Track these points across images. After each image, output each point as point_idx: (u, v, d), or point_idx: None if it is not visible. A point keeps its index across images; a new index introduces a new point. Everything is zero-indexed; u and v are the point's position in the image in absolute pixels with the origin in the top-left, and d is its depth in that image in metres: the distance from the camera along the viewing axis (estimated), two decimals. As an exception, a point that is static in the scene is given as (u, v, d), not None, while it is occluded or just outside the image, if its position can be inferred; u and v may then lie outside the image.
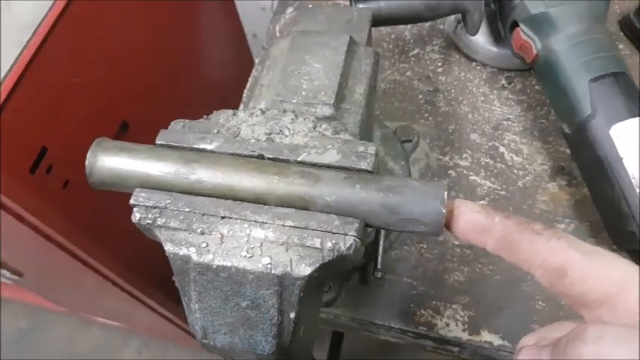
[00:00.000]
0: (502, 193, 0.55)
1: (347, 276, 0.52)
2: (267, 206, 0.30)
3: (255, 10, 1.18)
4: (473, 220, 0.28)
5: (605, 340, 0.23)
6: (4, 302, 1.54)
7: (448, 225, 0.29)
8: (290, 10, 0.72)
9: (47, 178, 0.61)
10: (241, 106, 0.63)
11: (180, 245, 0.29)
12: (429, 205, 0.28)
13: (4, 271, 0.97)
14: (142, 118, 0.78)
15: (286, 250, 0.29)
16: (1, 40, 0.56)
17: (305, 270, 0.28)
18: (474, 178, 0.56)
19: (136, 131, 0.77)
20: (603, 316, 0.25)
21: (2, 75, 0.54)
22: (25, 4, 0.59)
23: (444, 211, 0.28)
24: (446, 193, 0.28)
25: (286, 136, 0.33)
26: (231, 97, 0.65)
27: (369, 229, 0.49)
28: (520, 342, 0.28)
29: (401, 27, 0.69)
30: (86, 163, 0.32)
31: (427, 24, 0.68)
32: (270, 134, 0.33)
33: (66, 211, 0.65)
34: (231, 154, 0.32)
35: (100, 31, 0.67)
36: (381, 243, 0.48)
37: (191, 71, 0.96)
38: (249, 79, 0.67)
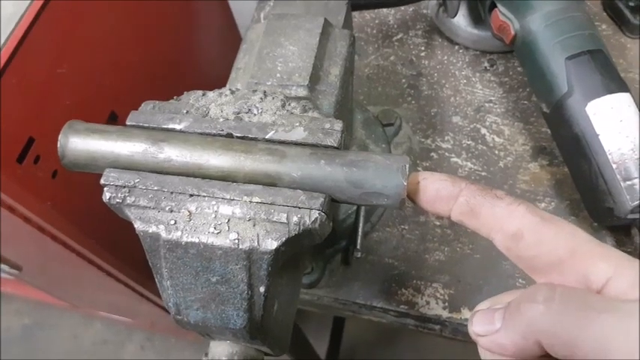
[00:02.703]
0: (483, 174, 0.55)
1: (330, 258, 0.52)
2: (234, 183, 0.31)
3: (252, 3, 1.17)
4: (441, 188, 0.28)
5: (556, 299, 0.23)
6: (7, 299, 1.55)
7: (414, 197, 0.30)
8: (275, -3, 0.72)
9: (35, 168, 0.61)
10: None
11: (150, 223, 0.30)
12: (391, 178, 0.29)
13: (3, 266, 0.98)
14: (131, 110, 0.78)
15: (253, 225, 0.29)
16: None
17: (271, 244, 0.29)
18: (455, 160, 0.56)
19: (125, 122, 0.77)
20: (553, 280, 0.26)
21: (-14, 66, 0.54)
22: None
23: (404, 184, 0.28)
24: (407, 166, 0.29)
25: (255, 114, 0.33)
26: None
27: (350, 210, 0.50)
28: (475, 308, 0.29)
29: (385, 12, 0.69)
30: (58, 145, 0.32)
31: (410, 8, 0.68)
32: (238, 113, 0.33)
33: (55, 201, 0.66)
34: (200, 134, 0.32)
35: (87, 22, 0.67)
36: (361, 224, 0.48)
37: (182, 62, 0.96)
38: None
